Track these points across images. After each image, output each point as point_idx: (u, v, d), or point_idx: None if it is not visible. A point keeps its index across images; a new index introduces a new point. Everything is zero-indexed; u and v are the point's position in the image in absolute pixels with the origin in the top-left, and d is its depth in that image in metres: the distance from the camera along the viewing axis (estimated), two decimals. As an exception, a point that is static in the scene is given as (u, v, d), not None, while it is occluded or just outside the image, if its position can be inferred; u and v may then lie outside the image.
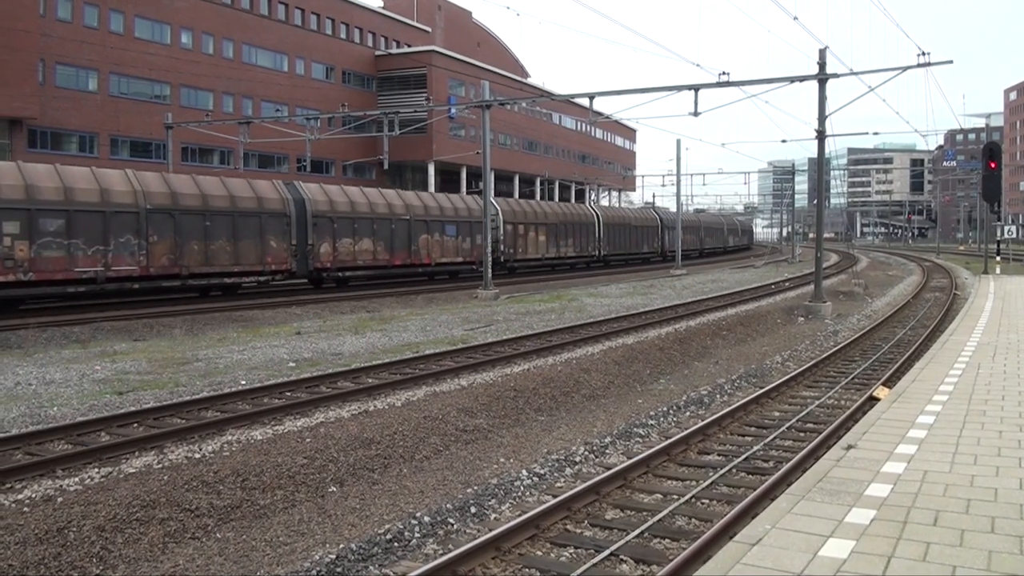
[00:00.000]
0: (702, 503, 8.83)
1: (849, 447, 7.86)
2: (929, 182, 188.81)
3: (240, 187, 31.22)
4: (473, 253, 41.66)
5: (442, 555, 7.27)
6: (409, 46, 74.17)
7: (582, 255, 54.20)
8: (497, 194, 58.79)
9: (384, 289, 36.47)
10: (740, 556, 5.21)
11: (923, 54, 26.82)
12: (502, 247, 44.50)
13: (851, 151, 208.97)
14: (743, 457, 10.36)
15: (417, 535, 8.04)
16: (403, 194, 40.36)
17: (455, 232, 41.61)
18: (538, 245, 48.82)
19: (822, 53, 27.22)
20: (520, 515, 8.16)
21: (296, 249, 32.58)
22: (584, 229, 54.26)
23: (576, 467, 10.37)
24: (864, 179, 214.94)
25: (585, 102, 34.47)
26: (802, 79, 28.12)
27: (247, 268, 30.63)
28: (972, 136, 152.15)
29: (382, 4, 79.09)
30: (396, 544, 7.84)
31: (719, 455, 10.67)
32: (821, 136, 27.71)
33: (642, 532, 7.87)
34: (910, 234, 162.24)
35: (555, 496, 8.84)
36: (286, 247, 32.06)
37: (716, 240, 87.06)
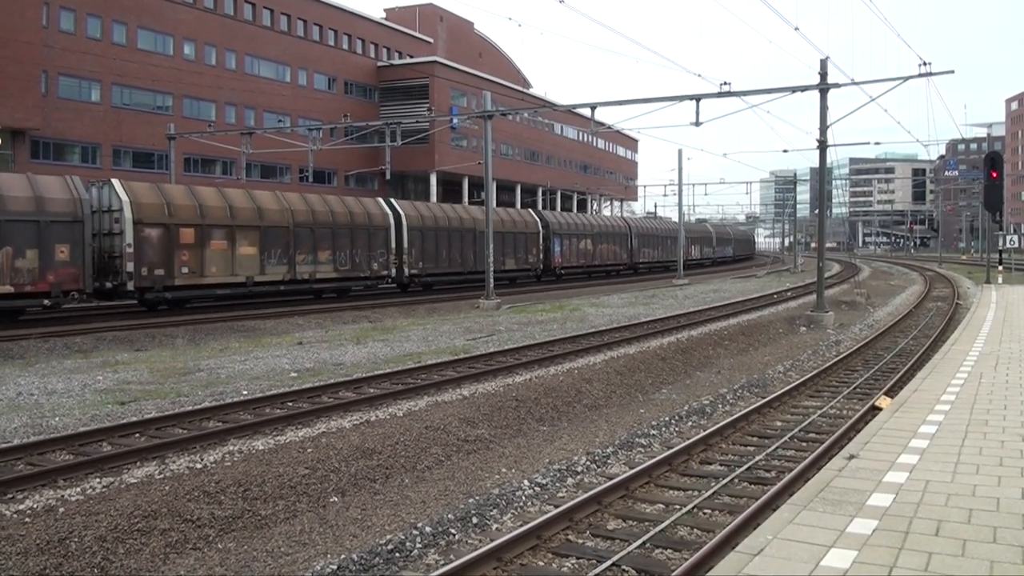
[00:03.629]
0: (704, 513, 8.82)
1: (851, 457, 7.84)
2: (931, 192, 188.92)
3: None
4: (48, 276, 24.80)
5: (444, 565, 7.26)
6: (411, 57, 74.34)
7: (357, 275, 35.87)
8: (499, 204, 57.88)
9: (379, 300, 35.61)
10: (742, 566, 5.21)
11: (924, 64, 26.89)
12: (128, 265, 26.91)
13: (853, 161, 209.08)
14: (745, 467, 10.35)
15: (419, 545, 8.03)
16: None
17: None
18: (235, 261, 30.32)
19: (823, 63, 27.27)
20: (522, 525, 8.15)
21: None
22: (368, 236, 36.21)
23: (578, 477, 10.35)
24: (866, 189, 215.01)
25: (587, 112, 34.56)
26: (803, 89, 28.15)
27: None
28: (974, 146, 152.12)
29: (384, 15, 79.35)
30: (397, 554, 7.83)
31: (721, 465, 10.66)
32: (823, 146, 27.74)
33: (644, 542, 7.86)
34: (912, 244, 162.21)
35: (557, 506, 8.83)
36: None
37: (668, 251, 69.51)
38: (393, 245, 37.73)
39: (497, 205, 50.46)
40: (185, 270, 28.68)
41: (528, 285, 48.24)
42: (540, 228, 50.34)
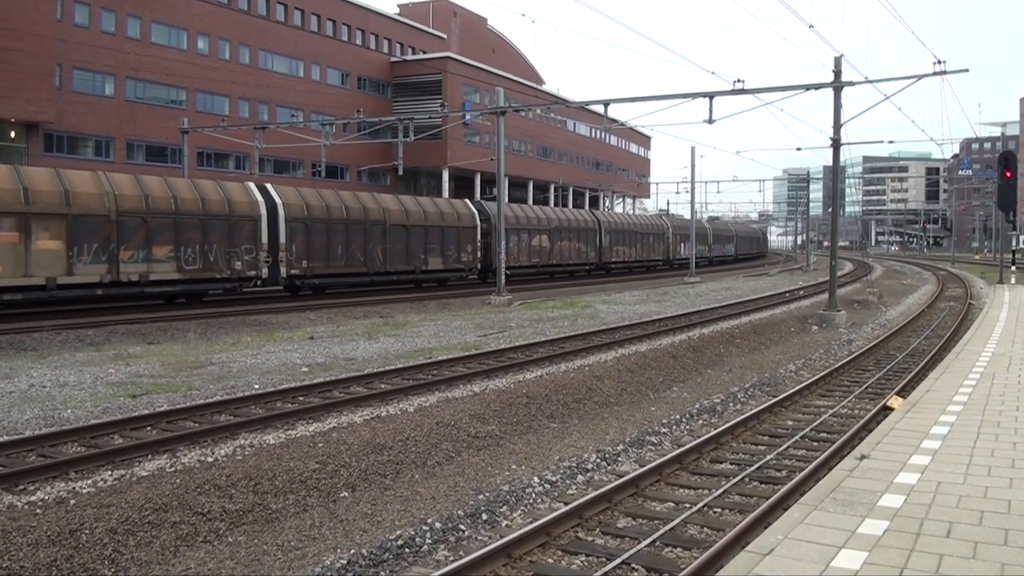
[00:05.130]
0: (714, 512, 8.80)
1: (862, 457, 7.82)
2: (944, 191, 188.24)
3: None
4: None
5: (453, 562, 7.27)
6: (424, 52, 74.40)
7: (212, 276, 29.33)
8: (511, 200, 57.38)
9: (399, 295, 35.82)
10: (752, 566, 5.19)
11: (939, 62, 26.77)
12: None
13: (866, 159, 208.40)
14: (756, 466, 10.32)
15: (428, 541, 8.03)
16: None
17: None
18: (30, 258, 24.15)
19: (837, 61, 27.15)
20: (532, 522, 8.14)
21: None
22: (228, 228, 29.66)
23: (588, 475, 10.35)
24: (879, 187, 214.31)
25: (600, 109, 34.54)
26: (817, 87, 28.06)
27: None
28: (988, 145, 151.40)
29: (398, 10, 79.39)
30: (407, 550, 7.84)
31: (732, 464, 10.64)
32: (836, 144, 27.63)
33: (654, 541, 7.85)
34: (925, 243, 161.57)
35: (567, 503, 8.82)
36: None
37: (649, 250, 64.52)
38: (265, 239, 30.91)
39: (509, 201, 49.97)
40: None
41: (460, 287, 41.28)
42: (479, 222, 42.49)
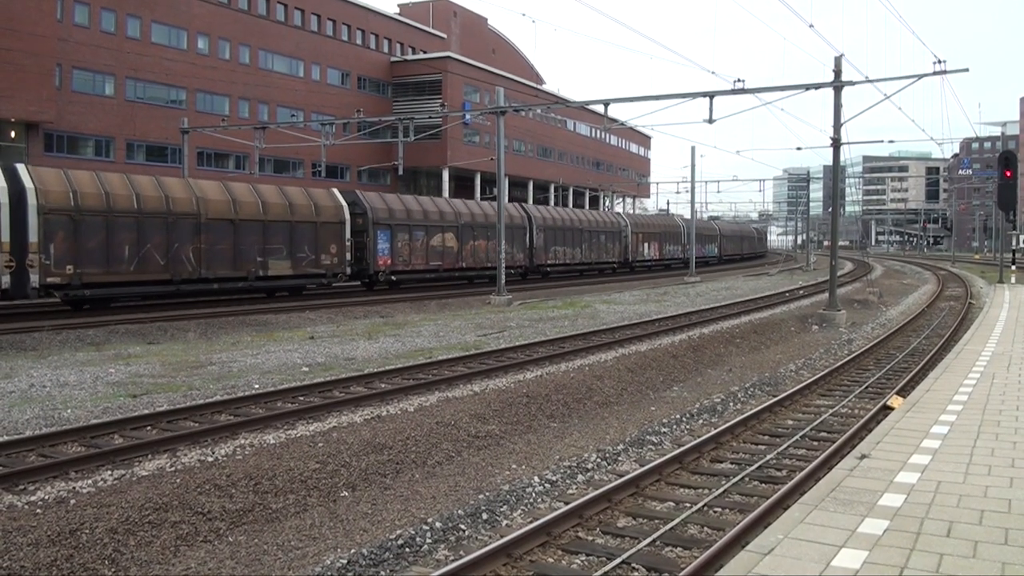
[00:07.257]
0: (714, 512, 8.80)
1: (863, 456, 7.82)
2: (944, 190, 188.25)
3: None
4: None
5: (453, 561, 7.26)
6: (424, 52, 74.42)
7: None
8: (511, 200, 57.14)
9: (399, 294, 35.96)
10: (752, 566, 5.19)
11: (939, 62, 26.75)
12: None
13: (866, 159, 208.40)
14: (756, 466, 10.32)
15: (429, 541, 8.03)
16: None
17: None
18: None
19: (838, 61, 27.14)
20: (532, 522, 8.14)
21: None
22: None
23: (588, 474, 10.35)
24: (879, 187, 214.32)
25: (600, 109, 34.51)
26: (817, 86, 28.04)
27: None
28: (988, 144, 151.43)
29: (398, 10, 79.40)
30: (408, 550, 7.84)
31: (732, 463, 10.63)
32: (836, 144, 27.62)
33: (654, 540, 7.85)
34: (925, 243, 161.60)
35: (567, 503, 8.82)
36: None
37: (600, 250, 56.71)
38: (6, 237, 23.31)
39: (509, 201, 49.65)
40: None
41: (321, 297, 33.84)
42: (347, 216, 34.25)
